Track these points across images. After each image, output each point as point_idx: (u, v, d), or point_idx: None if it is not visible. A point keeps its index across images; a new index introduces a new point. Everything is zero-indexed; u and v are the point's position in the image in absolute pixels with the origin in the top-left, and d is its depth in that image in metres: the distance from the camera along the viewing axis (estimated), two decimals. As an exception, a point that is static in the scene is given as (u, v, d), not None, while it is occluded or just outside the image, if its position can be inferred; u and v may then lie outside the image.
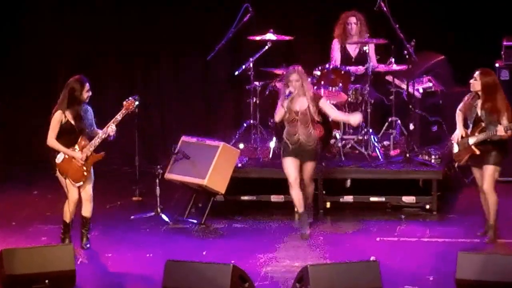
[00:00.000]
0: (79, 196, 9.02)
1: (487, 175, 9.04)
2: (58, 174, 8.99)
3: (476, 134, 9.02)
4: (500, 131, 8.91)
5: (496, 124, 8.95)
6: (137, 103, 9.21)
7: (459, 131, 9.12)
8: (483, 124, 8.99)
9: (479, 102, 9.03)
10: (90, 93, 8.95)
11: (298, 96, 9.26)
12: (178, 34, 11.99)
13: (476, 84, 9.04)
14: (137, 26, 11.99)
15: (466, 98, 9.16)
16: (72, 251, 8.10)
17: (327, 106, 9.38)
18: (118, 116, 9.02)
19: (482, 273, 7.59)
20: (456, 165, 9.50)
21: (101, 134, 8.97)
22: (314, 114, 9.25)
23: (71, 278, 8.06)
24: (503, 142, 9.01)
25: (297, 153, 9.32)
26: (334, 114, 9.51)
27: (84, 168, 8.95)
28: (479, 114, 9.02)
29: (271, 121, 10.02)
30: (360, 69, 10.92)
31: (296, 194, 9.36)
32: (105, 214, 10.10)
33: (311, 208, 9.75)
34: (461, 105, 9.17)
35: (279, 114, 9.31)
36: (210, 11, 11.92)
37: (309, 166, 9.42)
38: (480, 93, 9.02)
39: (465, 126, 9.11)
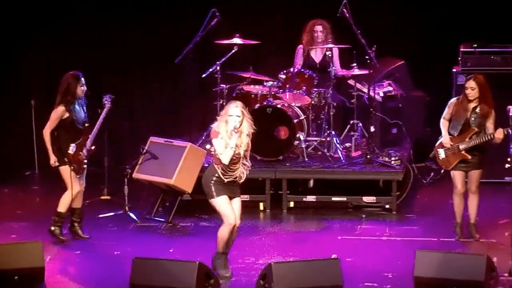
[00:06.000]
0: None
1: (475, 179, 9.04)
2: (62, 166, 9.21)
3: (467, 139, 8.97)
4: (499, 133, 8.78)
5: (483, 127, 8.91)
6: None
7: (447, 139, 9.02)
8: (476, 129, 8.94)
9: (470, 106, 8.98)
10: (84, 88, 9.26)
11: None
12: (147, 37, 12.05)
13: (474, 92, 8.92)
14: (106, 28, 12.03)
15: (452, 104, 9.05)
16: (41, 248, 8.14)
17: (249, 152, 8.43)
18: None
19: (439, 271, 7.74)
20: (442, 171, 9.59)
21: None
22: (246, 152, 8.28)
23: (40, 274, 8.12)
24: (485, 146, 9.01)
25: (230, 190, 8.28)
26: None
27: (85, 161, 9.30)
28: (469, 118, 8.96)
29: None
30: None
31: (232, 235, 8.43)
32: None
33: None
34: (446, 113, 9.07)
35: (228, 155, 8.10)
36: (178, 15, 12.01)
37: (239, 202, 8.35)
38: (473, 98, 8.93)
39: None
